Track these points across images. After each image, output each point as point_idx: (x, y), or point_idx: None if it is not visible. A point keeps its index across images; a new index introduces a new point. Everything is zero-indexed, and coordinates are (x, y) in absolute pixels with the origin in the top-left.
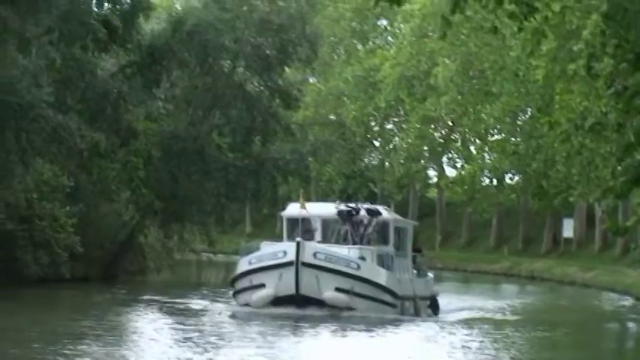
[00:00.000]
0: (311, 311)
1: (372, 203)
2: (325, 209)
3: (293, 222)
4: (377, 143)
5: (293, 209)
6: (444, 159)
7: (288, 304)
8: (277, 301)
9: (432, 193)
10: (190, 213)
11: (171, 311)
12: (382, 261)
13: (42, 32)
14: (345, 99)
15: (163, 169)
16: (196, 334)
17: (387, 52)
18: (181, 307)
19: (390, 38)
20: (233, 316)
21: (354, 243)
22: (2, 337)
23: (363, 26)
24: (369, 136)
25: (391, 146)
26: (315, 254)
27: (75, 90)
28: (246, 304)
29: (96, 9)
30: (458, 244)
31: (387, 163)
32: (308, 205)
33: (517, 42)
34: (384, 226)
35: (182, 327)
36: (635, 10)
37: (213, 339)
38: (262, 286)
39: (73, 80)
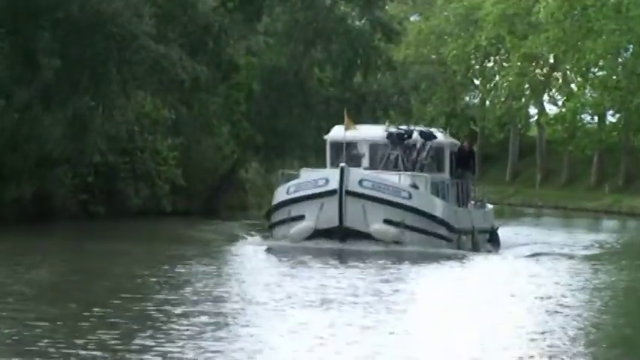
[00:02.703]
0: (356, 246)
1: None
2: (373, 132)
3: (337, 146)
4: (477, 82)
5: (338, 132)
6: (545, 97)
7: (330, 237)
8: (318, 234)
9: (533, 132)
10: (291, 148)
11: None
12: (437, 190)
13: None
14: (445, 37)
15: (264, 103)
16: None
17: None
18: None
19: None
20: (269, 251)
21: (406, 169)
22: (109, 259)
23: None
24: (469, 74)
25: (492, 85)
26: (361, 182)
27: (176, 24)
28: (284, 238)
29: None
30: (558, 182)
31: (487, 102)
32: (356, 127)
33: None
34: (439, 150)
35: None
36: None
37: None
38: (301, 217)
39: (175, 14)
